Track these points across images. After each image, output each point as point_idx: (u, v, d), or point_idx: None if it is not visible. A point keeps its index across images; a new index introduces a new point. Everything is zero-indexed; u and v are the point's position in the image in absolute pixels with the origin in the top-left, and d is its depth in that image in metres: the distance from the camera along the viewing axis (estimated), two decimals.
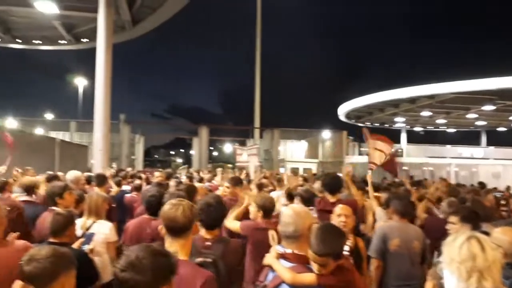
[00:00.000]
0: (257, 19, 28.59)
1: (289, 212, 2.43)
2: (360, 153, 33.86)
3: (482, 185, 10.11)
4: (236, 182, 5.47)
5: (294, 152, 28.76)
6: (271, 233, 3.46)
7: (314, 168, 24.83)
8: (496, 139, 35.13)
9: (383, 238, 3.66)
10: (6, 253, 2.14)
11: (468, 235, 1.74)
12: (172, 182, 6.52)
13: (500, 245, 1.91)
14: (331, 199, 4.51)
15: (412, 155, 30.49)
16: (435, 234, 3.77)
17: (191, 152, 29.95)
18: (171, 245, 2.10)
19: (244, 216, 3.98)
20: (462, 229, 3.24)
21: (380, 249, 3.67)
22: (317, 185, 6.99)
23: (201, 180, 8.52)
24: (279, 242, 2.54)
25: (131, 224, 3.77)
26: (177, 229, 2.13)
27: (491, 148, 34.09)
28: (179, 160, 69.88)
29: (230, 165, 11.28)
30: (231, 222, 3.86)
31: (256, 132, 27.35)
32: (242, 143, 27.05)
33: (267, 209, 3.62)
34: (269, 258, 2.30)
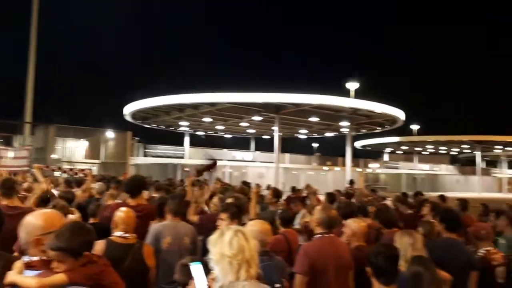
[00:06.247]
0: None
1: None
2: (145, 155, 33.91)
3: (246, 183, 11.64)
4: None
5: (73, 152, 26.36)
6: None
7: (95, 169, 23.37)
8: (262, 145, 41.50)
9: (157, 237, 3.82)
10: None
11: (235, 230, 1.87)
12: None
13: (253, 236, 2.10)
14: (132, 202, 4.22)
15: (194, 158, 32.65)
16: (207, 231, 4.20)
17: None
18: None
19: None
20: (230, 224, 3.53)
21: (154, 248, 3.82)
22: (98, 186, 6.69)
23: None
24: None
25: None
26: None
27: (258, 152, 40.03)
28: None
29: None
30: None
31: (27, 128, 23.65)
32: (8, 141, 22.93)
33: None
34: (10, 275, 1.96)
